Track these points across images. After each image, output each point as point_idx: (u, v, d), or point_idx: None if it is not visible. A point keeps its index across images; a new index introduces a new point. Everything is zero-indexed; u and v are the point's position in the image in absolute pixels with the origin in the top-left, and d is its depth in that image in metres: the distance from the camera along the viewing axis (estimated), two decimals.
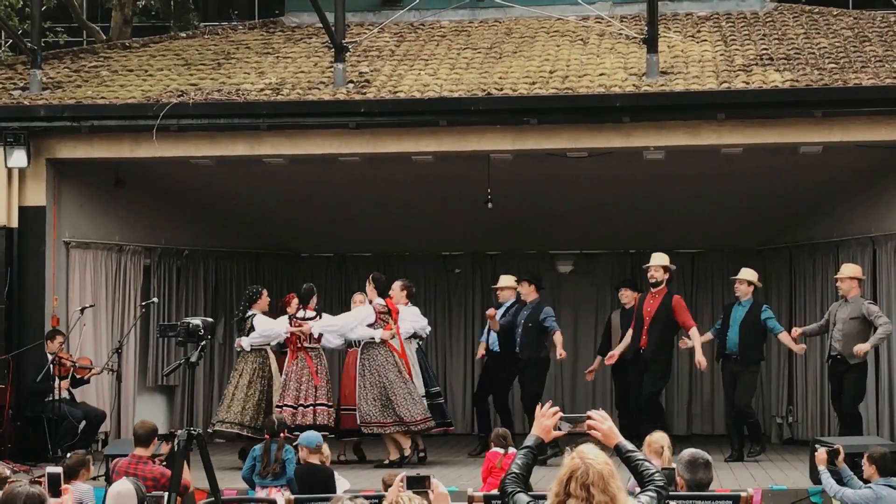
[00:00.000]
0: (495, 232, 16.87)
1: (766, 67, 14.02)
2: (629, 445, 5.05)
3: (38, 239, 14.27)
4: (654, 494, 4.87)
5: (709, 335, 14.16)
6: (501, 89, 13.89)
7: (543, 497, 4.74)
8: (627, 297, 14.68)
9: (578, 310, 17.79)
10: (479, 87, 13.95)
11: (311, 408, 13.14)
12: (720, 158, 14.09)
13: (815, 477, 10.75)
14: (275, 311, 13.73)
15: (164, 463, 9.92)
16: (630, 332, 13.95)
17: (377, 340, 13.07)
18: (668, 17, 16.62)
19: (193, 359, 7.22)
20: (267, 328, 13.39)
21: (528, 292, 14.19)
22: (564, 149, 13.99)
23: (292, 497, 8.50)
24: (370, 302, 13.39)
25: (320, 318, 13.48)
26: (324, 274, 18.01)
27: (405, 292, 13.58)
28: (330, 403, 13.31)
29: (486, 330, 14.68)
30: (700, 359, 13.44)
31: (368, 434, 13.21)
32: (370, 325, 13.18)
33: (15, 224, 14.22)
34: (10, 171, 14.15)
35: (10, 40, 23.78)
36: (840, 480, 9.75)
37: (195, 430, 7.04)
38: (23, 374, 13.79)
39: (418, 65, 15.07)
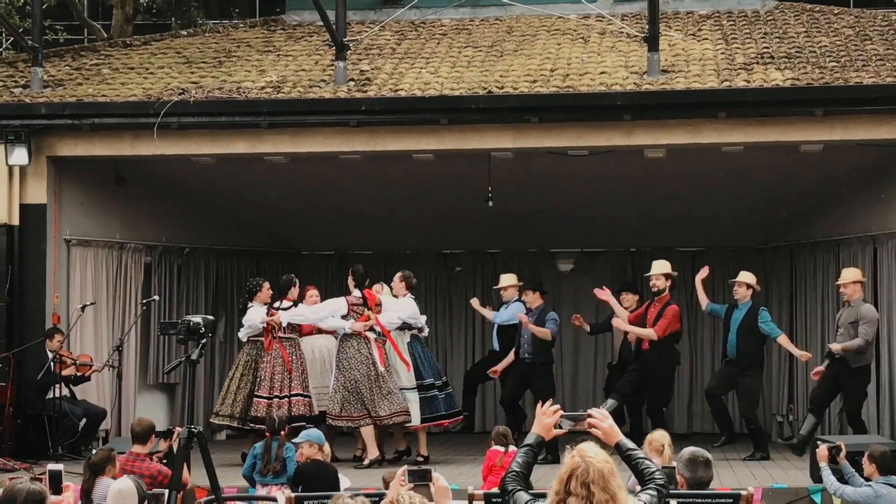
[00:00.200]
0: (496, 230, 16.87)
1: (767, 66, 14.02)
2: (629, 444, 5.05)
3: (39, 237, 14.27)
4: (655, 493, 4.87)
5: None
6: (502, 87, 13.89)
7: (544, 495, 4.74)
8: (629, 300, 14.64)
9: (579, 308, 17.69)
10: (479, 86, 13.95)
11: (287, 399, 13.20)
12: (721, 157, 14.09)
13: (816, 475, 10.77)
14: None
15: (165, 461, 9.93)
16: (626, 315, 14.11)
17: (347, 331, 13.07)
18: (669, 16, 16.62)
19: (194, 356, 7.23)
20: (246, 318, 13.55)
21: (534, 300, 14.09)
22: (565, 147, 13.99)
23: (292, 495, 8.50)
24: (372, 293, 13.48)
25: (295, 308, 13.53)
26: (324, 272, 18.02)
27: (403, 283, 13.51)
28: (307, 393, 13.32)
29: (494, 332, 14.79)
30: (619, 325, 13.77)
31: (340, 427, 13.16)
32: (344, 317, 13.16)
33: (16, 222, 14.23)
34: (10, 168, 14.15)
35: (12, 38, 23.76)
36: (842, 478, 9.76)
37: (196, 428, 7.04)
38: (23, 372, 13.80)
39: (419, 63, 15.07)
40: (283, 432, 10.85)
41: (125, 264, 15.27)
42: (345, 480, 10.07)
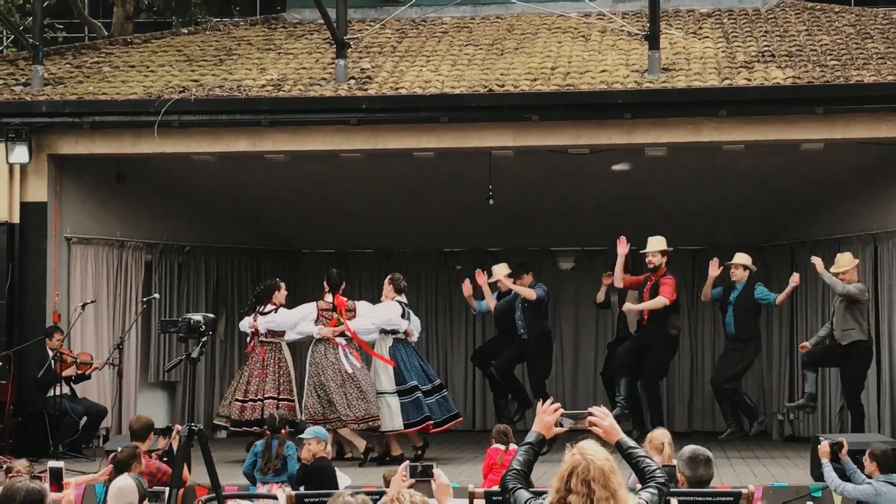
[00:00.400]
0: (496, 229, 16.86)
1: (767, 64, 14.01)
2: (630, 442, 5.05)
3: (40, 235, 14.27)
4: (655, 491, 4.87)
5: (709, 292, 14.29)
6: (503, 86, 13.88)
7: (544, 493, 4.73)
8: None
9: (579, 307, 17.78)
10: (480, 84, 13.95)
11: (260, 402, 13.24)
12: (722, 155, 14.09)
13: (817, 474, 10.78)
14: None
15: (165, 459, 9.92)
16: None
17: (316, 336, 13.08)
18: (670, 14, 16.61)
19: (195, 355, 7.22)
20: (241, 323, 13.82)
21: (527, 280, 14.43)
22: (566, 145, 13.99)
23: (293, 493, 8.49)
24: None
25: (276, 313, 13.55)
26: (325, 270, 17.94)
27: (391, 286, 13.42)
28: (283, 397, 13.31)
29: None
30: (630, 307, 13.94)
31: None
32: (316, 322, 13.17)
33: (16, 220, 14.23)
34: (11, 166, 14.15)
35: (12, 36, 23.78)
36: (844, 474, 9.78)
37: (196, 426, 7.04)
38: (24, 370, 13.79)
39: (420, 61, 15.06)
40: (283, 430, 10.85)
41: (126, 262, 15.28)
42: (345, 479, 10.07)
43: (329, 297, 13.28)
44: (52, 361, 13.57)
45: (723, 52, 14.77)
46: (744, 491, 7.59)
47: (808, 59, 14.19)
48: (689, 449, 7.30)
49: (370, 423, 12.91)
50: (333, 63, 14.70)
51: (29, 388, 13.80)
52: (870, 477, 9.55)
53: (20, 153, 13.95)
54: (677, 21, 16.46)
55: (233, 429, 13.60)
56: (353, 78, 14.38)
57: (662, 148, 13.89)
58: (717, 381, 14.28)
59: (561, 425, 5.09)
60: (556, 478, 4.58)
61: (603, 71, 14.12)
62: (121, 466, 8.99)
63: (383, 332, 13.27)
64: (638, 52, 14.69)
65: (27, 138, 13.95)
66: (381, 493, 6.04)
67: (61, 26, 25.29)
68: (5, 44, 25.43)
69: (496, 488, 7.42)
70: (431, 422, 13.11)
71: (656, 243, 13.97)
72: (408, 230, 17.36)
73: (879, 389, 14.21)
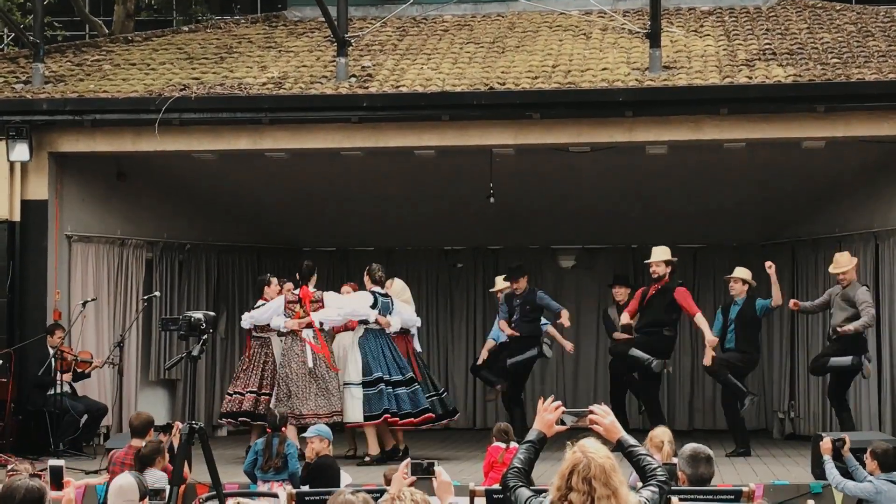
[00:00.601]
0: (497, 227, 16.86)
1: (768, 62, 14.00)
2: (631, 440, 5.05)
3: (41, 233, 14.27)
4: (656, 489, 4.87)
5: (714, 339, 14.00)
6: (504, 84, 13.87)
7: (545, 491, 4.73)
8: (621, 294, 14.79)
9: (580, 305, 17.78)
10: (481, 82, 13.94)
11: (241, 395, 13.33)
12: (722, 153, 14.08)
13: (817, 472, 10.78)
14: None
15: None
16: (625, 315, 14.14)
17: (282, 329, 13.09)
18: (671, 12, 16.60)
19: (195, 353, 7.23)
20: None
21: (521, 285, 14.42)
22: (567, 143, 13.99)
23: (294, 491, 8.49)
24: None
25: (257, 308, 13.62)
26: (326, 268, 18.00)
27: (368, 277, 13.32)
28: (264, 391, 13.27)
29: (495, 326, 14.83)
30: (710, 338, 13.41)
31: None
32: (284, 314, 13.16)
33: (17, 218, 14.22)
34: (12, 164, 14.14)
35: (13, 34, 23.77)
36: (845, 471, 9.78)
37: (197, 424, 7.04)
38: (24, 368, 13.79)
39: (421, 59, 15.06)
40: (283, 428, 10.85)
41: (126, 260, 15.28)
42: (346, 477, 10.07)
43: (304, 289, 13.22)
44: (53, 359, 13.57)
45: (724, 50, 14.77)
46: (744, 489, 7.59)
47: (810, 57, 14.19)
48: (690, 447, 7.29)
49: (334, 419, 12.70)
50: (334, 61, 14.70)
51: (29, 387, 13.80)
52: (871, 475, 9.56)
53: (21, 151, 13.95)
54: (678, 19, 16.45)
55: (224, 420, 13.84)
56: (353, 76, 14.38)
57: (663, 146, 13.88)
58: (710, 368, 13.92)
59: (562, 423, 5.09)
60: (556, 476, 4.58)
61: (604, 69, 14.11)
62: (145, 461, 9.01)
63: (362, 322, 13.11)
64: (639, 49, 14.68)
65: (28, 136, 13.95)
66: (383, 491, 6.04)
67: (62, 24, 25.29)
68: (6, 42, 25.43)
69: (497, 486, 7.42)
70: (389, 414, 12.79)
71: (660, 253, 13.83)
72: (408, 228, 17.36)
73: (881, 389, 14.20)
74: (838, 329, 12.83)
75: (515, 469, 4.99)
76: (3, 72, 15.45)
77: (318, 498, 7.97)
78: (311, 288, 13.14)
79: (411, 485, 5.54)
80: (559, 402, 5.13)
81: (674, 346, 14.65)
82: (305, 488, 9.54)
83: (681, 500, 6.93)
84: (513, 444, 10.18)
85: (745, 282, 13.71)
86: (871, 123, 13.29)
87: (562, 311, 14.21)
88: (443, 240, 17.92)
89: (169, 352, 15.78)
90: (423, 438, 14.56)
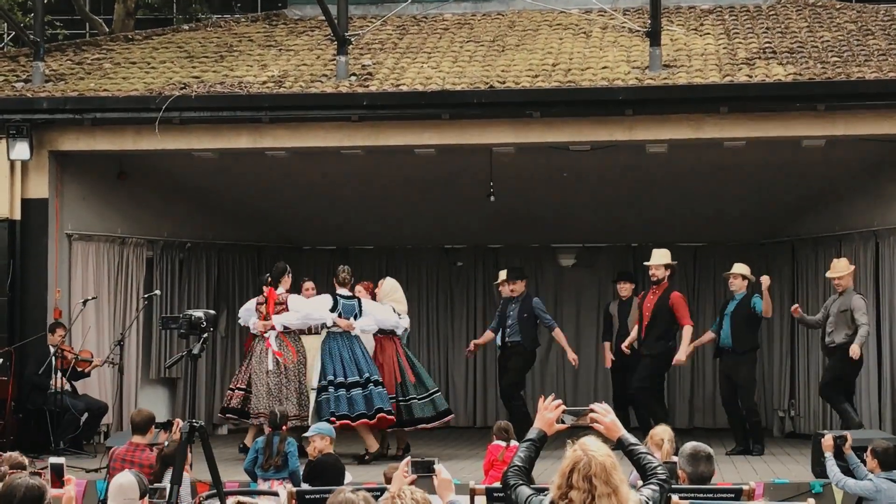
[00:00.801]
0: (497, 225, 16.86)
1: (769, 61, 14.00)
2: (632, 439, 5.05)
3: (41, 231, 14.27)
4: (657, 487, 4.87)
5: (710, 334, 14.12)
6: (504, 82, 13.87)
7: (545, 490, 4.73)
8: (626, 289, 14.90)
9: (580, 303, 17.79)
10: (481, 80, 13.94)
11: (232, 391, 13.41)
12: (723, 152, 14.08)
13: (818, 470, 10.79)
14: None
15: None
16: (636, 327, 14.07)
17: (252, 330, 13.20)
18: (671, 11, 16.60)
19: (196, 351, 7.23)
20: None
21: (519, 287, 14.35)
22: (567, 142, 13.99)
23: (294, 489, 8.50)
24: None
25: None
26: (326, 267, 18.00)
27: (334, 279, 13.33)
28: (248, 388, 13.26)
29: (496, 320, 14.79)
30: (680, 357, 13.62)
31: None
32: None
33: (17, 216, 14.22)
34: (12, 163, 14.14)
35: (13, 33, 23.77)
36: (847, 469, 9.79)
37: (197, 422, 7.05)
38: (25, 367, 13.80)
39: (421, 58, 15.06)
40: (284, 427, 10.86)
41: (127, 259, 15.28)
42: (346, 475, 10.07)
43: (271, 291, 13.23)
44: (54, 358, 13.57)
45: (724, 48, 14.77)
46: (745, 487, 7.60)
47: (810, 55, 14.19)
48: (691, 445, 7.30)
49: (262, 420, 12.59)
50: (334, 60, 14.70)
51: (30, 385, 13.80)
52: (871, 473, 9.57)
53: (21, 150, 13.95)
54: (678, 17, 16.44)
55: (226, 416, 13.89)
56: (354, 74, 14.38)
57: (663, 144, 13.88)
58: (748, 408, 13.70)
59: (562, 422, 5.09)
60: (557, 474, 4.58)
61: (604, 67, 14.12)
62: (168, 461, 9.00)
63: (322, 326, 13.08)
64: (639, 48, 14.68)
65: (28, 135, 13.95)
66: (383, 490, 6.04)
67: (62, 23, 25.30)
68: (6, 40, 25.43)
69: (497, 485, 7.42)
70: (335, 417, 12.53)
71: (660, 256, 13.82)
72: (409, 227, 17.36)
73: (881, 388, 14.20)
74: (852, 356, 12.76)
75: (516, 467, 4.99)
76: (4, 70, 15.45)
77: (318, 496, 7.97)
78: (280, 289, 13.15)
79: (412, 483, 5.55)
80: (560, 401, 5.14)
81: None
82: (306, 486, 9.55)
83: (681, 498, 6.94)
84: (513, 443, 10.19)
85: (744, 277, 13.73)
86: (872, 122, 13.30)
87: (568, 350, 14.30)
88: (443, 238, 17.92)
89: (169, 350, 15.79)
90: (424, 437, 14.57)
